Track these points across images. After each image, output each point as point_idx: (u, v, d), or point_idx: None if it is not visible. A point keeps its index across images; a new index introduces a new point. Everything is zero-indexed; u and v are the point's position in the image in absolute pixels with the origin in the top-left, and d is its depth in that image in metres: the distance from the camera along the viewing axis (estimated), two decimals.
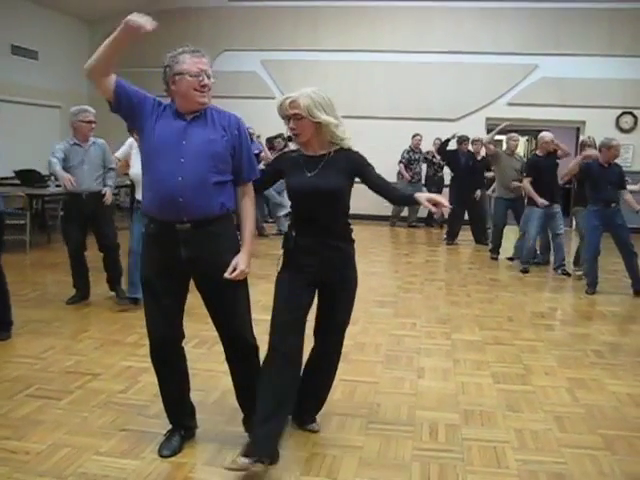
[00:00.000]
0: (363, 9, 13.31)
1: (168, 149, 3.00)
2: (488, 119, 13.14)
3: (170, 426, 3.37)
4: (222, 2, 13.63)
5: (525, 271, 8.36)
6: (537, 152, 8.57)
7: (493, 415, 3.85)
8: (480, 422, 3.76)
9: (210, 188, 3.03)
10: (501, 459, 3.30)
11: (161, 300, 3.09)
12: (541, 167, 8.26)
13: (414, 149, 12.53)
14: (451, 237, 10.83)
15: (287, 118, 3.27)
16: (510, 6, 12.84)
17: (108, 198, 6.21)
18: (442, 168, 12.32)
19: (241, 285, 3.20)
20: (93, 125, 6.18)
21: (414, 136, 12.48)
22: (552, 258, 8.65)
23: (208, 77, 3.05)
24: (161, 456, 3.23)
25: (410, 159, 12.49)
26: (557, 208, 8.34)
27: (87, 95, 13.27)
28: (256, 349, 3.30)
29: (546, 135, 8.45)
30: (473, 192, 10.54)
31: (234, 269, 3.05)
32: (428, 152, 12.57)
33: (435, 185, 12.28)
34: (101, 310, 5.96)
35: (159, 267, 3.07)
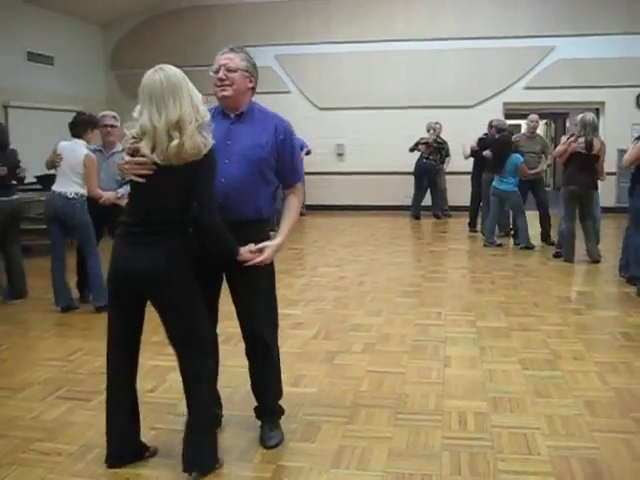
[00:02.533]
0: None
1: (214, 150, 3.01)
2: (505, 104, 13.06)
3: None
4: None
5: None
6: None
7: (522, 402, 3.82)
8: (509, 409, 3.73)
9: (250, 192, 3.07)
10: (532, 446, 3.27)
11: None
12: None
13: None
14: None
15: None
16: None
17: (109, 197, 5.91)
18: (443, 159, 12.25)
19: (266, 285, 3.23)
20: (109, 129, 6.11)
21: (435, 123, 12.32)
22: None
23: (229, 70, 3.05)
24: None
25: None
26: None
27: (105, 99, 13.38)
28: (274, 352, 3.34)
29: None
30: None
31: (258, 251, 3.04)
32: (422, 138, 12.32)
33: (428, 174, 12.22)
34: None
35: (196, 266, 3.07)
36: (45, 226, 8.63)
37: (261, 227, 3.19)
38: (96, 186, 5.78)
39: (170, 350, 4.19)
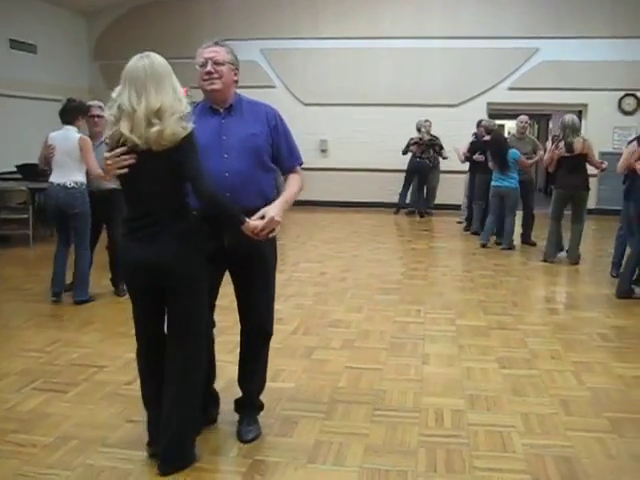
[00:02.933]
0: None
1: (210, 146, 3.00)
2: (489, 104, 13.11)
3: None
4: None
5: None
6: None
7: (499, 400, 3.85)
8: (486, 407, 3.76)
9: (255, 181, 3.10)
10: (507, 443, 3.30)
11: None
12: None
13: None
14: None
15: None
16: None
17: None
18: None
19: (270, 275, 3.29)
20: (96, 119, 6.04)
21: (425, 121, 12.34)
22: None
23: (216, 63, 3.05)
24: None
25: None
26: None
27: (88, 89, 13.27)
28: (270, 338, 3.39)
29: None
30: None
31: (262, 217, 2.99)
32: (412, 138, 12.30)
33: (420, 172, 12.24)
34: (105, 303, 5.98)
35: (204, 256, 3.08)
36: (25, 216, 8.64)
37: None
38: (96, 166, 5.70)
39: None
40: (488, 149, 9.31)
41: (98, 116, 6.05)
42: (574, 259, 7.97)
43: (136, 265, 2.93)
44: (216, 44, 3.13)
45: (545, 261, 8.02)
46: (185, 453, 3.04)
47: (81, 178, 5.84)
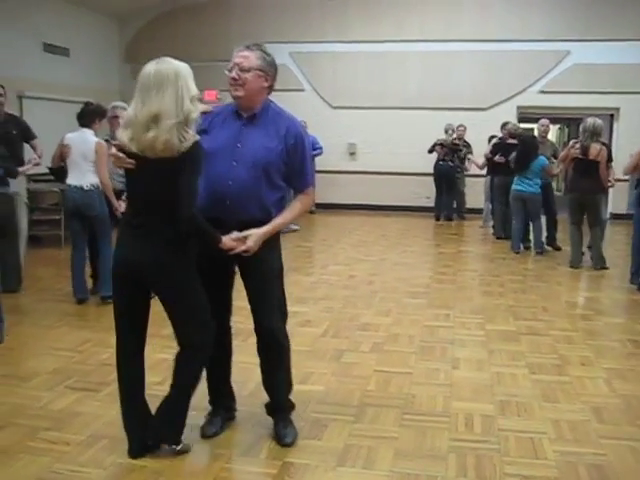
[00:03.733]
0: None
1: (223, 151, 3.02)
2: (519, 107, 13.01)
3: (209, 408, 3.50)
4: None
5: None
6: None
7: (529, 406, 3.82)
8: (516, 413, 3.73)
9: (258, 195, 3.07)
10: (538, 450, 3.27)
11: (208, 290, 3.13)
12: None
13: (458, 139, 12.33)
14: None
15: None
16: None
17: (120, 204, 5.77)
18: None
19: (276, 281, 3.25)
20: (120, 120, 6.12)
21: (458, 127, 12.27)
22: None
23: (242, 70, 3.02)
24: (204, 436, 3.33)
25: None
26: None
27: (119, 91, 13.40)
28: (284, 346, 3.35)
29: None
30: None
31: (242, 238, 2.99)
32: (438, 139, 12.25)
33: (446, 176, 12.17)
34: None
35: (205, 260, 3.10)
36: (57, 217, 8.76)
37: None
38: (107, 175, 5.79)
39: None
40: (515, 151, 9.20)
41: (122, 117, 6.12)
42: (599, 264, 7.86)
43: (122, 260, 3.01)
44: (247, 48, 3.08)
45: (572, 267, 7.93)
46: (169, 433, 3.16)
47: (97, 180, 5.89)
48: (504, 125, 10.45)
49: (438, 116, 12.71)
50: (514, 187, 8.96)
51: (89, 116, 5.96)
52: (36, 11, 11.48)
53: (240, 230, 3.00)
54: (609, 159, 7.87)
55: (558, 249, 9.04)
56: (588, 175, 7.69)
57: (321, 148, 11.88)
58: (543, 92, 12.84)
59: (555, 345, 4.97)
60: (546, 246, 9.15)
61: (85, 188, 5.84)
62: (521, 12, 12.74)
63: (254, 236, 3.01)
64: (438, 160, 12.14)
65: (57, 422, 3.51)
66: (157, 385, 4.02)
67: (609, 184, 8.03)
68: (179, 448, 3.14)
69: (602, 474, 3.04)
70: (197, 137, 2.84)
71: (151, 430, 3.14)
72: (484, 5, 12.92)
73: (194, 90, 2.86)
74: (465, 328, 5.40)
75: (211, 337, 3.11)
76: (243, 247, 2.99)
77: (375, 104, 13.36)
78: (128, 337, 3.13)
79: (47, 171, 9.94)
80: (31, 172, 7.98)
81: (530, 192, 8.78)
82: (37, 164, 6.61)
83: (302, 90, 13.55)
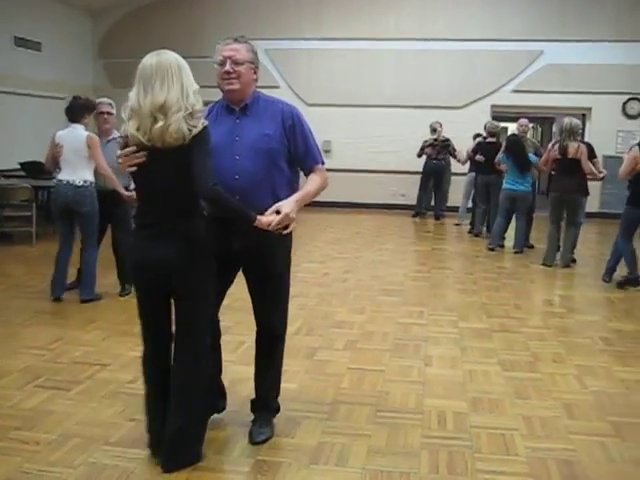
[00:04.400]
0: None
1: (222, 147, 2.98)
2: (493, 106, 13.13)
3: None
4: None
5: None
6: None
7: (501, 402, 3.85)
8: (488, 409, 3.76)
9: (266, 184, 3.04)
10: (510, 446, 3.30)
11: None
12: None
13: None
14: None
15: None
16: None
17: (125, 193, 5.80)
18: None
19: (283, 277, 3.25)
20: (106, 116, 6.03)
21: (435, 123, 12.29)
22: None
23: (235, 63, 3.00)
24: None
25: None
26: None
27: (92, 86, 13.28)
28: (282, 348, 3.36)
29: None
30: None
31: (277, 212, 2.92)
32: (426, 140, 12.25)
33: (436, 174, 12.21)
34: (108, 301, 5.98)
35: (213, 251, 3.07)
36: (28, 214, 8.65)
37: None
38: (105, 164, 5.70)
39: None
40: (508, 152, 9.16)
41: (108, 113, 6.03)
42: (565, 262, 7.98)
43: (141, 263, 2.94)
44: (236, 41, 3.05)
45: (544, 264, 8.01)
46: (190, 451, 3.04)
47: (89, 177, 5.81)
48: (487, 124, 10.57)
49: (413, 114, 12.80)
50: (506, 186, 8.98)
51: (78, 111, 5.86)
52: (7, 3, 11.33)
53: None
54: (593, 155, 8.00)
55: (531, 247, 9.13)
56: (569, 174, 7.77)
57: None
58: (516, 91, 12.96)
59: (527, 342, 5.02)
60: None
61: (78, 184, 5.73)
62: (496, 12, 12.86)
63: (286, 205, 2.95)
64: (430, 159, 12.16)
65: (27, 421, 3.47)
66: (129, 383, 4.01)
67: (600, 175, 8.10)
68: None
69: (572, 469, 3.07)
70: (205, 122, 2.81)
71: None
72: (459, 4, 13.01)
73: (195, 84, 2.84)
74: (438, 325, 5.43)
75: (209, 336, 3.09)
76: (279, 217, 2.90)
77: (350, 102, 13.38)
78: (155, 339, 3.12)
79: (18, 166, 9.84)
80: (1, 168, 7.89)
81: (522, 191, 8.84)
82: None
83: (277, 87, 13.50)
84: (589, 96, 12.59)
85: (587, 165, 7.74)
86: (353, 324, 5.41)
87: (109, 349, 4.65)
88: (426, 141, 12.16)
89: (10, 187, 9.06)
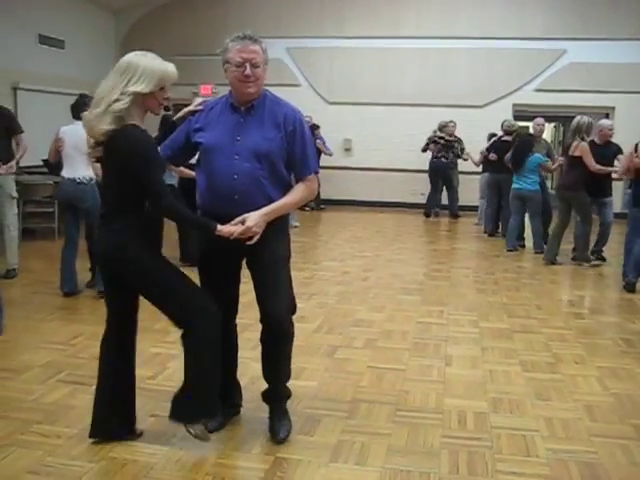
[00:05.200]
0: None
1: (224, 146, 3.01)
2: (515, 105, 13.03)
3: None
4: None
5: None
6: (595, 139, 8.13)
7: (522, 403, 3.83)
8: (509, 410, 3.74)
9: (264, 185, 3.05)
10: (530, 448, 3.27)
11: (216, 283, 3.16)
12: (596, 155, 7.86)
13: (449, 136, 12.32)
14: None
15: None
16: None
17: None
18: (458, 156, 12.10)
19: (284, 269, 3.21)
20: None
21: (448, 123, 12.22)
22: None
23: (254, 66, 3.00)
24: (208, 430, 3.25)
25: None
26: (608, 199, 8.13)
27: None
28: (290, 336, 3.28)
29: (606, 122, 8.35)
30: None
31: (242, 222, 2.94)
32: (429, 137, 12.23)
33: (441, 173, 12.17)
34: None
35: (213, 254, 3.11)
36: (50, 210, 8.73)
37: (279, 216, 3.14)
38: None
39: (171, 338, 4.23)
40: (511, 149, 9.21)
41: None
42: (580, 260, 8.08)
43: (96, 250, 3.24)
44: (254, 41, 3.03)
45: (545, 262, 8.15)
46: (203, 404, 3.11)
47: (90, 173, 5.90)
48: (503, 124, 10.49)
49: (434, 113, 12.71)
50: (513, 186, 8.98)
51: (83, 108, 5.92)
52: (31, 3, 11.41)
53: None
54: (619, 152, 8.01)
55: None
56: (568, 171, 7.93)
57: (330, 151, 12.50)
58: (539, 90, 12.86)
59: (548, 343, 4.98)
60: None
61: (78, 181, 5.86)
62: (518, 10, 12.76)
63: (251, 217, 2.95)
64: (433, 157, 12.14)
65: (49, 415, 3.50)
66: (149, 379, 4.03)
67: (614, 175, 7.97)
68: (193, 431, 3.07)
69: (593, 472, 3.05)
70: (113, 127, 2.88)
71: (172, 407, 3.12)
72: (481, 2, 12.95)
73: (140, 87, 2.88)
74: (459, 325, 5.41)
75: (204, 318, 3.02)
76: (241, 229, 2.92)
77: (371, 100, 13.36)
78: (113, 328, 3.21)
79: (41, 163, 9.93)
80: (24, 164, 7.95)
81: (528, 190, 8.77)
82: (11, 167, 6.53)
83: (298, 85, 13.53)
84: (613, 95, 12.45)
85: (590, 163, 7.65)
86: (373, 323, 5.40)
87: None
88: (431, 136, 12.15)
89: (33, 183, 9.15)
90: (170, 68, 2.97)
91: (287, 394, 3.45)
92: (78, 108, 5.92)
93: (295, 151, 3.13)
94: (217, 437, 3.30)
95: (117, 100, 2.85)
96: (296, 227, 10.05)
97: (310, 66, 13.67)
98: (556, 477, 3.00)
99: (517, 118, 12.23)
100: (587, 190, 7.85)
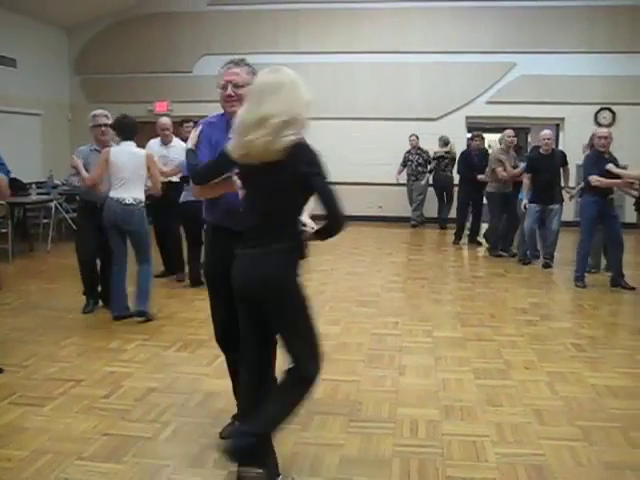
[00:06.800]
0: (342, 11, 13.36)
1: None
2: (468, 117, 13.26)
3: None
4: (202, 7, 13.60)
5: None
6: (540, 150, 8.51)
7: (473, 410, 3.90)
8: (460, 417, 3.81)
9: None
10: (480, 453, 3.34)
11: (224, 297, 3.14)
12: (539, 165, 8.41)
13: (410, 150, 12.61)
14: (459, 237, 10.89)
15: None
16: (487, 5, 12.93)
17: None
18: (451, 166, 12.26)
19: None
20: (103, 129, 5.99)
21: (410, 137, 12.55)
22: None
23: (236, 86, 3.15)
24: (223, 438, 3.25)
25: (405, 159, 12.64)
26: (555, 206, 8.46)
27: (68, 103, 13.25)
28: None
29: (547, 132, 8.63)
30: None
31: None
32: (436, 152, 12.47)
33: (441, 184, 12.44)
34: (83, 317, 5.93)
35: (221, 267, 3.09)
36: (4, 230, 8.58)
37: None
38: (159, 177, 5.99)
39: (125, 356, 4.21)
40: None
41: (105, 125, 6.01)
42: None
43: (236, 279, 2.95)
44: (236, 65, 3.21)
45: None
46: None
47: (141, 195, 5.77)
48: (473, 137, 10.77)
49: (389, 126, 12.92)
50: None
51: (132, 129, 5.86)
52: None
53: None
54: (564, 163, 8.74)
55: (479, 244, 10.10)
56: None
57: None
58: (491, 102, 13.10)
59: (500, 350, 5.08)
60: (501, 251, 9.42)
61: (127, 202, 5.65)
62: (469, 24, 13.01)
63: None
64: (438, 171, 12.38)
65: (0, 438, 3.46)
66: (103, 399, 4.01)
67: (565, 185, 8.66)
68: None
69: (540, 474, 3.13)
70: (298, 136, 2.89)
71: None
72: (433, 17, 13.16)
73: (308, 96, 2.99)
74: (413, 335, 5.48)
75: (321, 365, 2.90)
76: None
77: (326, 115, 13.39)
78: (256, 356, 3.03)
79: None
80: None
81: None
82: None
83: None
84: (562, 106, 12.77)
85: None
86: (328, 335, 5.35)
87: (84, 365, 4.64)
88: (436, 152, 12.39)
89: None
90: None
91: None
92: (131, 129, 5.82)
93: None
94: (170, 453, 3.31)
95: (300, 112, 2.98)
96: None
97: None
98: None
99: (470, 130, 12.46)
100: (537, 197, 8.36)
